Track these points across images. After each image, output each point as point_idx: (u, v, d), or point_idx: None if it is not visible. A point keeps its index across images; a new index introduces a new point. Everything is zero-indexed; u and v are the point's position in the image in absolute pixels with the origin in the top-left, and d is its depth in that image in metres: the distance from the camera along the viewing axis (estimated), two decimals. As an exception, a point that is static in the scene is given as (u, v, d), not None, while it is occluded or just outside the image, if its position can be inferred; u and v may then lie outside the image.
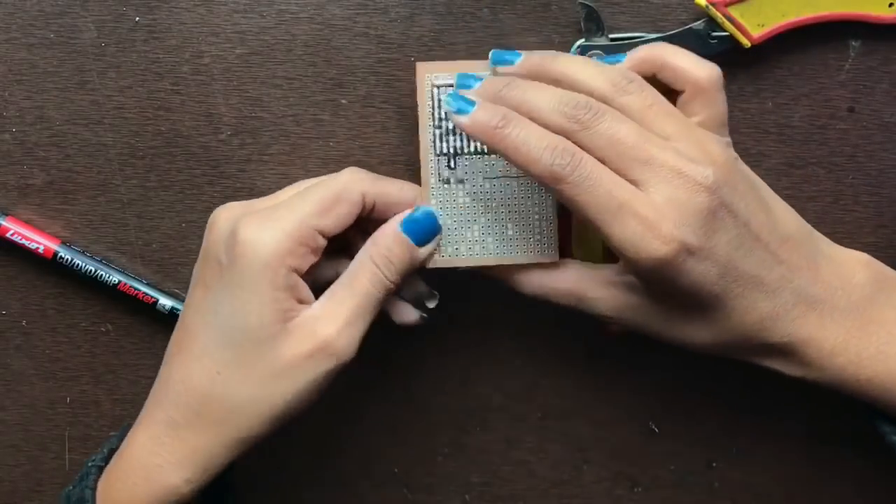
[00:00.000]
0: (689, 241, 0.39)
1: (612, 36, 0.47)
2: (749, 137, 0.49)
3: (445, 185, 0.46)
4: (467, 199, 0.46)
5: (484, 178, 0.46)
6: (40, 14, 0.48)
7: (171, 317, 0.49)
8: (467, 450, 0.52)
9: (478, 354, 0.51)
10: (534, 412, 0.51)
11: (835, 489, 0.52)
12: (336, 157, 0.49)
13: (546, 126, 0.40)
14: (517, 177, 0.45)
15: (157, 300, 0.49)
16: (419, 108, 0.45)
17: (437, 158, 0.45)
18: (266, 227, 0.42)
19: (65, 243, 0.49)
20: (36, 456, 0.51)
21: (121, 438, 0.44)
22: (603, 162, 0.40)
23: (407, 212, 0.45)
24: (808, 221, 0.50)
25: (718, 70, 0.43)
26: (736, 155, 0.43)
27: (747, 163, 0.49)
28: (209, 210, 0.49)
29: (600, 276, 0.44)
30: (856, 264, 0.44)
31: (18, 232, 0.49)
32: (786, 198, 0.49)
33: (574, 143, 0.40)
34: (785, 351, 0.43)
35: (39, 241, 0.49)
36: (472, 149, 0.45)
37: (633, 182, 0.40)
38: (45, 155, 0.49)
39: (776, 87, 0.49)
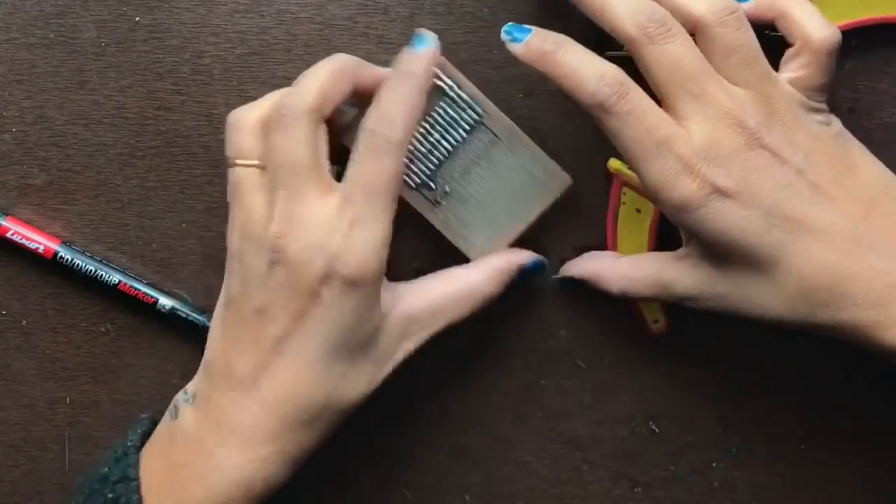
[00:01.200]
0: (722, 183, 0.39)
1: None
2: (749, 137, 0.49)
3: (439, 206, 0.47)
4: (464, 201, 0.47)
5: (461, 175, 0.47)
6: (40, 14, 0.48)
7: (172, 317, 0.49)
8: (467, 450, 0.52)
9: (478, 354, 0.51)
10: (534, 412, 0.51)
11: (835, 489, 0.52)
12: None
13: (617, 31, 0.41)
14: (482, 155, 0.47)
15: (158, 300, 0.49)
16: None
17: (415, 195, 0.47)
18: (368, 241, 0.41)
19: (65, 243, 0.49)
20: (36, 456, 0.51)
21: (153, 422, 0.44)
22: (657, 84, 0.40)
23: (527, 262, 0.47)
24: (809, 221, 0.50)
25: (836, 36, 0.42)
26: (823, 120, 0.42)
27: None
28: (209, 210, 0.49)
29: (674, 256, 0.44)
30: None
31: (18, 232, 0.49)
32: (786, 198, 0.49)
33: (637, 56, 0.40)
34: (870, 307, 0.40)
35: (39, 241, 0.49)
36: (428, 164, 0.47)
37: (678, 115, 0.40)
38: (45, 155, 0.49)
39: (776, 87, 0.49)
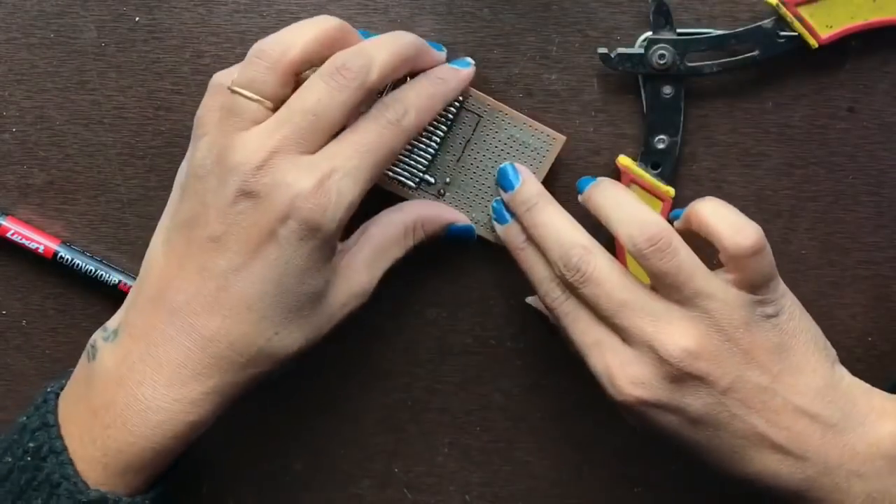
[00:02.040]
0: (645, 398, 0.42)
1: (679, 31, 0.47)
2: (749, 137, 0.49)
3: (444, 198, 0.48)
4: (466, 186, 0.48)
5: (456, 163, 0.48)
6: (40, 14, 0.48)
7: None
8: (467, 450, 0.52)
9: (478, 354, 0.51)
10: (534, 412, 0.51)
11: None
12: (336, 157, 0.49)
13: (543, 282, 0.45)
14: (472, 137, 0.48)
15: None
16: None
17: (418, 193, 0.48)
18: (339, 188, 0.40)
19: (65, 243, 0.49)
20: (36, 456, 0.51)
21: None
22: (600, 319, 0.44)
23: (457, 222, 0.48)
24: (809, 222, 0.50)
25: (754, 237, 0.42)
26: (770, 312, 0.43)
27: (747, 163, 0.49)
28: (209, 210, 0.49)
29: None
30: (887, 423, 0.43)
31: (18, 232, 0.49)
32: (785, 198, 0.49)
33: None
34: (797, 500, 0.43)
35: (39, 241, 0.49)
36: (428, 152, 0.48)
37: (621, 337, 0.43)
38: (45, 155, 0.49)
39: (776, 87, 0.49)
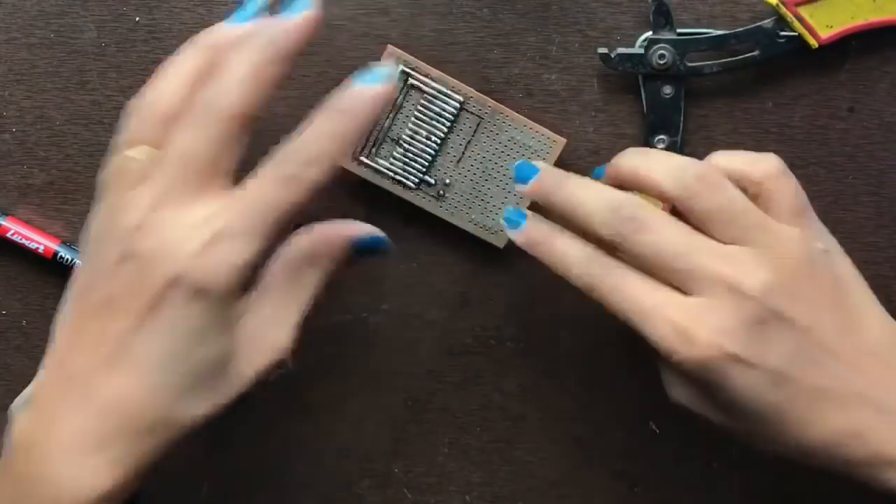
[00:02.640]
0: (730, 350, 0.38)
1: (679, 31, 0.47)
2: (749, 137, 0.49)
3: (444, 200, 0.48)
4: (466, 188, 0.48)
5: (456, 164, 0.48)
6: (40, 14, 0.48)
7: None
8: (467, 450, 0.52)
9: (478, 354, 0.51)
10: (534, 412, 0.51)
11: (835, 489, 0.52)
12: (336, 157, 0.49)
13: (591, 233, 0.41)
14: (472, 139, 0.47)
15: None
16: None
17: (418, 194, 0.48)
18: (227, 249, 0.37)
19: (65, 243, 0.49)
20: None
21: None
22: (651, 272, 0.40)
23: (359, 235, 0.42)
24: (809, 221, 0.50)
25: (773, 163, 0.41)
26: (822, 247, 0.41)
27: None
28: (209, 210, 0.49)
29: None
30: None
31: (18, 232, 0.49)
32: (786, 198, 0.49)
33: (621, 252, 0.40)
34: (874, 466, 0.39)
35: (39, 241, 0.49)
36: (427, 147, 0.48)
37: (682, 291, 0.39)
38: (45, 155, 0.49)
39: (776, 87, 0.49)
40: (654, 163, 0.41)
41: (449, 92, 0.47)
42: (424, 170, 0.48)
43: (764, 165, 0.41)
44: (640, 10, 0.48)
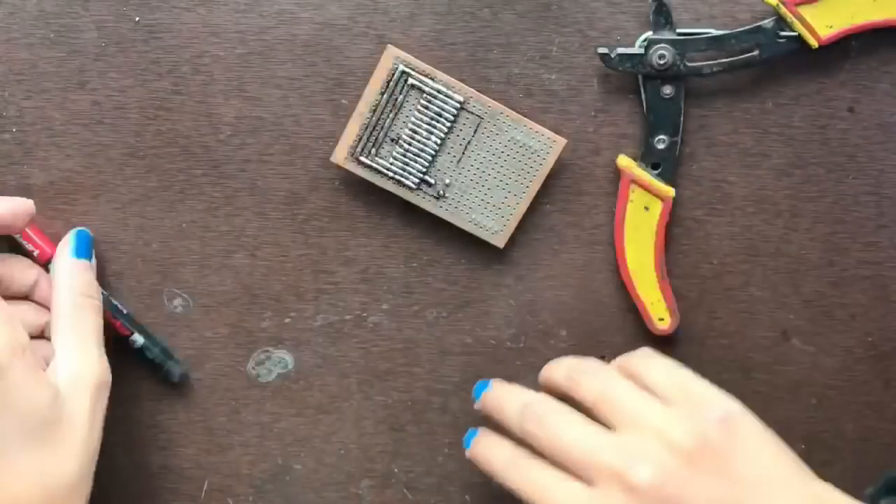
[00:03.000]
0: None
1: (679, 31, 0.47)
2: (749, 137, 0.49)
3: (444, 199, 0.48)
4: (466, 188, 0.48)
5: (457, 164, 0.48)
6: (40, 14, 0.48)
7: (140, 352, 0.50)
8: (467, 450, 0.52)
9: (478, 355, 0.51)
10: (534, 412, 0.51)
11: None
12: (336, 157, 0.49)
13: (514, 432, 0.44)
14: (472, 139, 0.48)
15: (133, 333, 0.49)
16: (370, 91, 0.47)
17: (418, 194, 0.48)
18: None
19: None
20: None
21: None
22: (558, 464, 0.42)
23: (67, 242, 0.47)
24: (808, 222, 0.50)
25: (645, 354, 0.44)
26: (717, 416, 0.41)
27: (747, 163, 0.49)
28: (209, 210, 0.49)
29: None
30: None
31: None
32: (786, 198, 0.49)
33: (535, 446, 0.43)
34: None
35: (39, 244, 0.48)
36: (428, 144, 0.48)
37: (585, 481, 0.41)
38: (45, 155, 0.49)
39: (776, 87, 0.49)
40: (550, 369, 0.45)
41: (449, 92, 0.47)
42: (424, 170, 0.48)
43: (593, 383, 0.43)
44: (640, 10, 0.48)
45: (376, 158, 0.48)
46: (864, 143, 0.49)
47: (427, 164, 0.48)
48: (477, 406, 0.47)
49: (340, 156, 0.48)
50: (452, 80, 0.47)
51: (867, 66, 0.49)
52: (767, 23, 0.47)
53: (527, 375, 0.51)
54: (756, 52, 0.47)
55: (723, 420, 0.41)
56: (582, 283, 0.50)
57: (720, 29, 0.47)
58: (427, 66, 0.47)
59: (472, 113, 0.47)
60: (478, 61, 0.48)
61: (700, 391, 0.42)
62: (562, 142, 0.47)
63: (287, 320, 0.51)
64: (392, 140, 0.47)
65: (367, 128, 0.47)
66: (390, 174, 0.48)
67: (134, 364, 0.51)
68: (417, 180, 0.48)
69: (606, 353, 0.51)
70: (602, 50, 0.47)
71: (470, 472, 0.52)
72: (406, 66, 0.47)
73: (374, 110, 0.47)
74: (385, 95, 0.47)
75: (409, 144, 0.47)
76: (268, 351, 0.51)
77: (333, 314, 0.51)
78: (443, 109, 0.47)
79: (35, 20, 0.48)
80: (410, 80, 0.47)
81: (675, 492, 0.39)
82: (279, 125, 0.49)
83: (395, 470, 0.52)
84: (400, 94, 0.47)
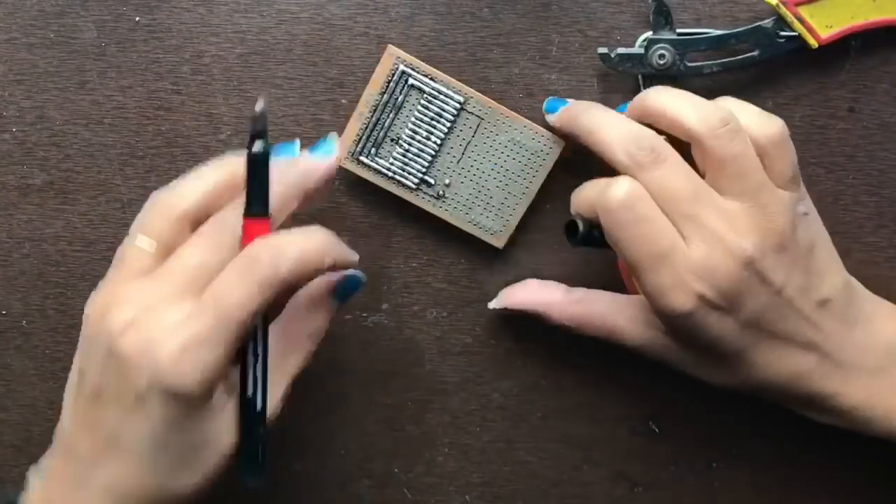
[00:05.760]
0: (713, 300, 0.41)
1: (679, 31, 0.47)
2: (749, 137, 0.49)
3: (443, 200, 0.48)
4: (465, 189, 0.48)
5: (456, 165, 0.48)
6: (40, 14, 0.48)
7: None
8: (467, 450, 0.52)
9: (478, 354, 0.51)
10: (534, 412, 0.51)
11: (835, 490, 0.52)
12: (336, 157, 0.49)
13: (610, 161, 0.42)
14: (472, 139, 0.47)
15: None
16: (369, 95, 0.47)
17: (418, 194, 0.48)
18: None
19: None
20: (36, 456, 0.51)
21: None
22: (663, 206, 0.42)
23: (336, 281, 0.44)
24: (809, 221, 0.50)
25: (779, 127, 0.43)
26: (804, 210, 0.44)
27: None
28: (209, 210, 0.49)
29: (627, 303, 0.46)
30: (890, 322, 0.46)
31: (18, 232, 0.48)
32: (786, 198, 0.49)
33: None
34: (813, 403, 0.45)
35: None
36: (430, 142, 0.48)
37: (681, 233, 0.42)
38: (45, 155, 0.49)
39: (776, 87, 0.49)
40: (683, 101, 0.42)
41: (449, 92, 0.47)
42: (424, 170, 0.48)
43: (770, 131, 0.42)
44: (640, 10, 0.48)
45: (376, 158, 0.48)
46: (863, 143, 0.49)
47: (427, 164, 0.48)
48: (553, 118, 0.46)
49: (340, 156, 0.48)
50: (452, 80, 0.47)
51: (867, 66, 0.49)
52: (767, 23, 0.47)
53: (527, 376, 0.51)
54: (756, 52, 0.47)
55: (804, 215, 0.44)
56: (582, 283, 0.50)
57: (720, 29, 0.47)
58: (427, 66, 0.47)
59: (472, 113, 0.47)
60: (478, 61, 0.48)
61: (802, 188, 0.44)
62: (561, 143, 0.47)
63: (287, 320, 0.51)
64: (392, 140, 0.47)
65: (367, 128, 0.47)
66: (390, 174, 0.48)
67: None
68: (417, 180, 0.48)
69: (607, 356, 0.51)
70: (602, 50, 0.47)
71: (470, 471, 0.52)
72: (407, 65, 0.47)
73: (375, 110, 0.47)
74: (385, 95, 0.47)
75: (409, 145, 0.47)
76: (268, 351, 0.51)
77: (333, 314, 0.51)
78: (443, 110, 0.47)
79: (35, 20, 0.48)
80: (411, 81, 0.47)
81: (768, 266, 0.42)
82: (279, 125, 0.49)
83: (395, 470, 0.52)
84: (400, 94, 0.47)
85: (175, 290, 0.39)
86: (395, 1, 0.48)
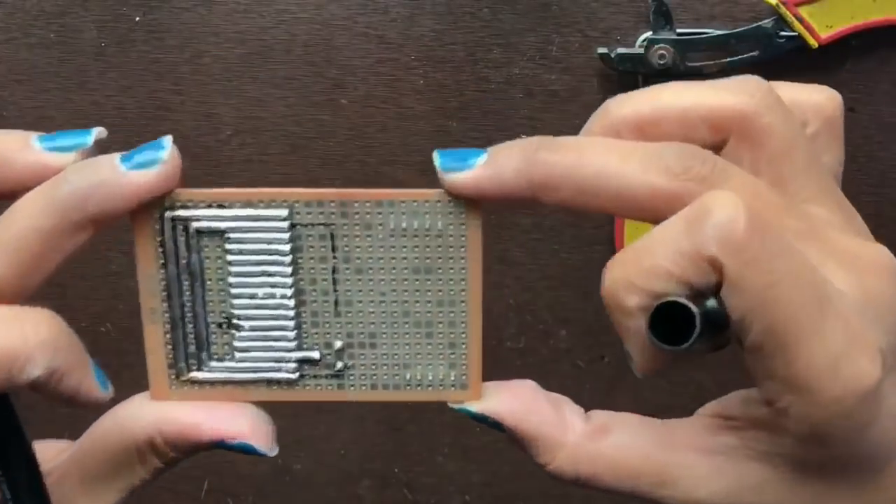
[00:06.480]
0: (889, 354, 0.25)
1: (679, 31, 0.47)
2: (749, 137, 0.49)
3: (346, 373, 0.30)
4: (368, 338, 0.30)
5: (335, 310, 0.29)
6: (40, 14, 0.48)
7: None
8: (467, 450, 0.52)
9: (478, 354, 0.51)
10: (534, 412, 0.51)
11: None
12: (336, 157, 0.49)
13: (633, 199, 0.25)
14: (335, 260, 0.28)
15: None
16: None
17: (306, 384, 0.30)
18: None
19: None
20: (36, 456, 0.51)
21: None
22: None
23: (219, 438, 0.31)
24: (809, 221, 0.50)
25: (834, 98, 0.28)
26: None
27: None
28: (209, 210, 0.49)
29: (689, 439, 0.29)
30: None
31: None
32: (786, 198, 0.49)
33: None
34: None
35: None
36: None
37: None
38: (45, 155, 0.49)
39: (776, 87, 0.49)
40: (693, 86, 0.27)
41: (258, 213, 0.28)
42: (294, 344, 0.29)
43: (834, 97, 0.28)
44: (640, 10, 0.48)
45: (210, 364, 0.30)
46: (863, 143, 0.49)
47: (293, 332, 0.29)
48: (468, 179, 0.27)
49: (162, 392, 0.31)
50: (252, 191, 0.28)
51: (867, 66, 0.49)
52: (767, 23, 0.47)
53: (527, 376, 0.51)
54: (756, 52, 0.47)
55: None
56: (582, 283, 0.50)
57: (720, 29, 0.47)
58: (206, 190, 0.28)
59: (314, 224, 0.28)
60: (477, 61, 0.48)
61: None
62: (469, 392, 0.33)
63: (287, 320, 0.51)
64: (219, 325, 0.29)
65: (171, 326, 0.30)
66: (248, 376, 0.30)
67: (134, 364, 0.51)
68: (294, 365, 0.30)
69: (606, 354, 0.51)
70: (602, 50, 0.47)
71: (470, 471, 0.52)
72: (174, 207, 0.29)
73: (167, 296, 0.29)
74: (170, 266, 0.29)
75: (251, 318, 0.29)
76: (268, 351, 0.51)
77: (333, 314, 0.51)
78: (267, 243, 0.28)
79: (35, 20, 0.48)
80: (194, 225, 0.29)
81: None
82: (279, 125, 0.49)
83: (395, 470, 0.52)
84: (188, 252, 0.29)
85: None
86: (395, 1, 0.48)
